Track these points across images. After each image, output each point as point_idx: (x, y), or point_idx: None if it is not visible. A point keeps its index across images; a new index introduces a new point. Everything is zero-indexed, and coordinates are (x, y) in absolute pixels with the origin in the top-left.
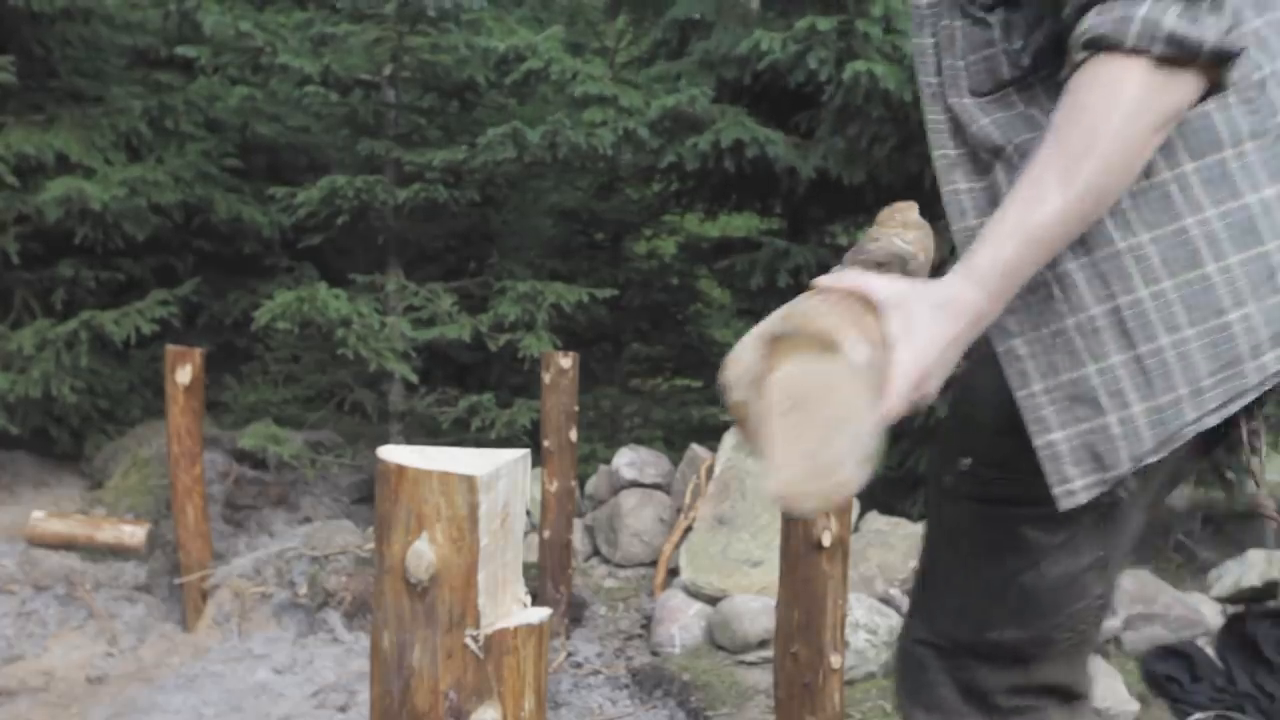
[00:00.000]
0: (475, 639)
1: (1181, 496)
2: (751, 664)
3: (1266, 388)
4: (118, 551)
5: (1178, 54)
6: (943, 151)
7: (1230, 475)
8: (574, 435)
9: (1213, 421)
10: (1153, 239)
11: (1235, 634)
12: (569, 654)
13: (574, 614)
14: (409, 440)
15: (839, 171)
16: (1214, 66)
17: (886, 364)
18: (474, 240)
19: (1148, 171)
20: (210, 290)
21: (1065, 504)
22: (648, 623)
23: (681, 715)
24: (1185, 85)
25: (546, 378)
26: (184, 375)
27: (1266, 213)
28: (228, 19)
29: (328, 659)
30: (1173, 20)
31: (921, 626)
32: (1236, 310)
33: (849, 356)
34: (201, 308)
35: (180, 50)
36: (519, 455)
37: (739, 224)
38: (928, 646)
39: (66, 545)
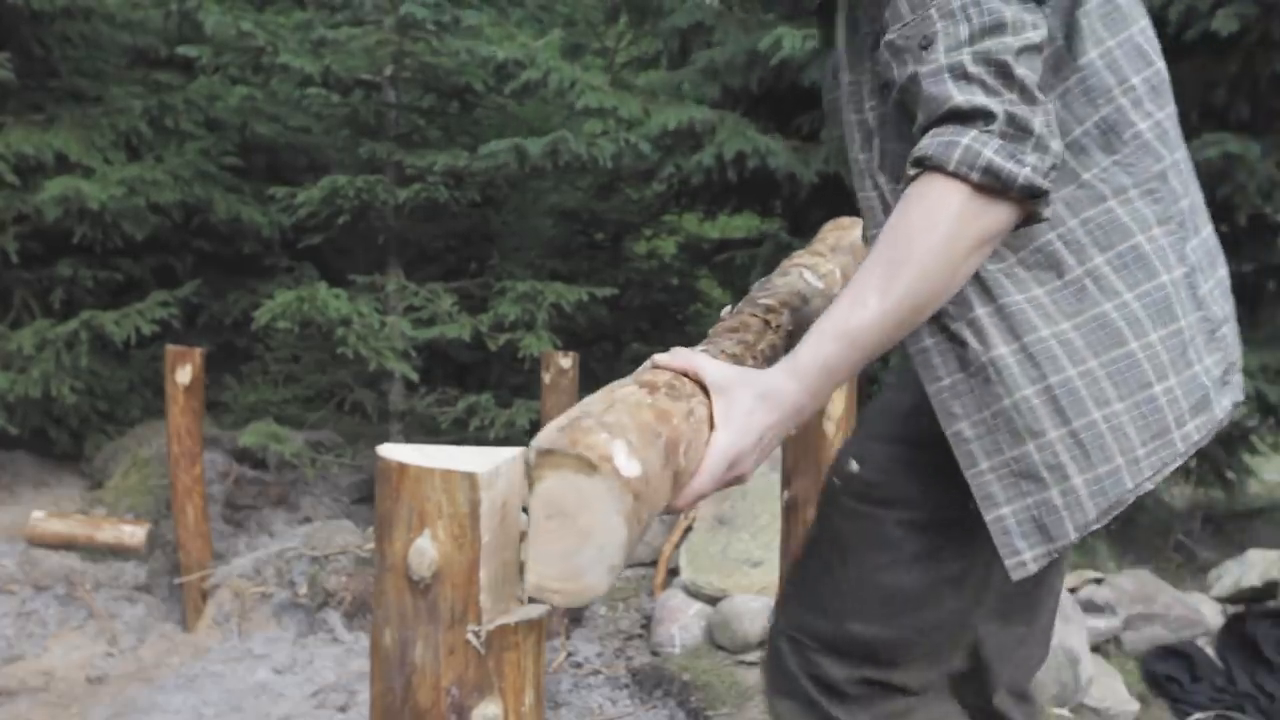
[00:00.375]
0: (477, 635)
1: (1182, 496)
2: (751, 664)
3: (1189, 455)
4: (118, 551)
5: (993, 184)
6: (876, 230)
7: (1230, 475)
8: None
9: (1148, 487)
10: (1074, 325)
11: (1235, 634)
12: (569, 654)
13: (574, 614)
14: (409, 440)
15: (839, 170)
16: (1028, 200)
17: (688, 460)
18: (474, 240)
19: (1060, 272)
20: (210, 290)
21: (1017, 575)
22: (648, 623)
23: (681, 715)
24: (1001, 213)
25: (546, 377)
26: (184, 375)
27: (1177, 291)
28: (228, 19)
29: (328, 659)
30: (991, 154)
31: (785, 621)
32: (1161, 383)
33: (606, 478)
34: (201, 308)
35: (181, 50)
36: (518, 453)
37: (739, 224)
38: (788, 640)
39: (66, 545)
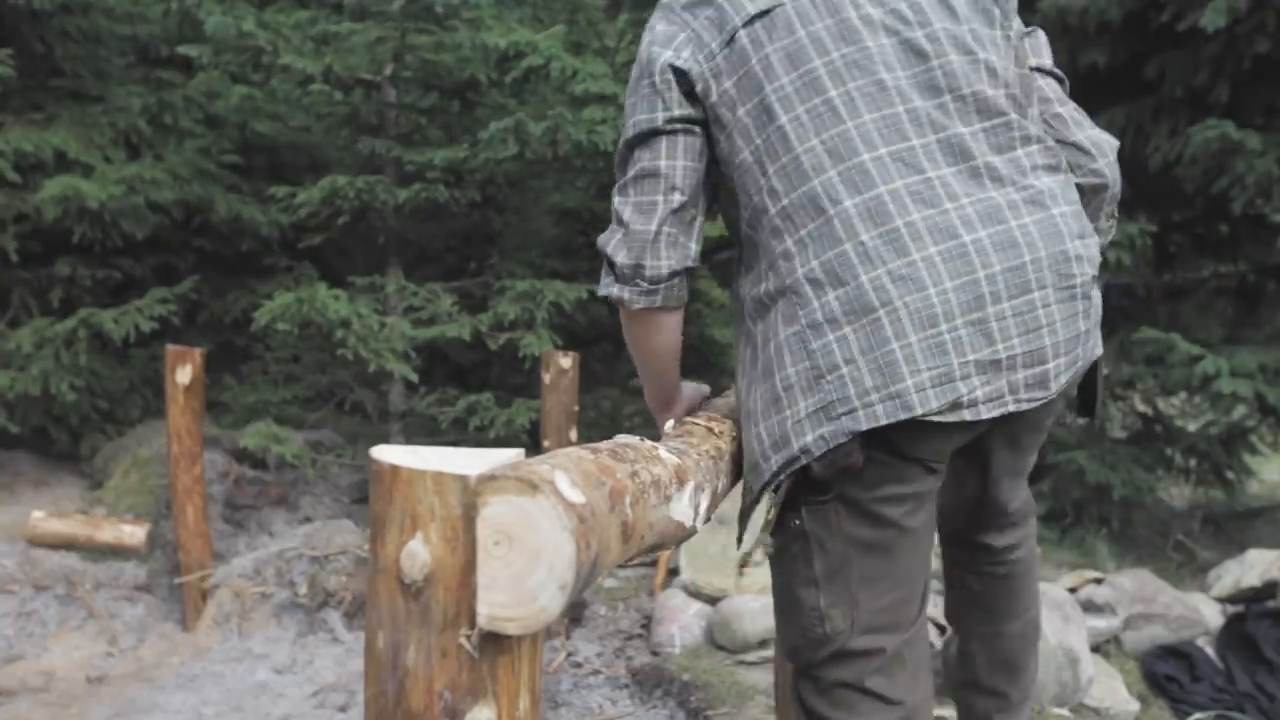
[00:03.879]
0: (470, 639)
1: (1182, 496)
2: (751, 664)
3: (801, 463)
4: (118, 551)
5: (619, 305)
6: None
7: (1230, 475)
8: (574, 435)
9: (780, 477)
10: (760, 390)
11: (1235, 634)
12: (569, 654)
13: (574, 614)
14: (409, 440)
15: None
16: (642, 305)
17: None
18: (474, 240)
19: (754, 354)
20: (210, 290)
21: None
22: (648, 623)
23: (681, 715)
24: (639, 314)
25: (547, 377)
26: (184, 375)
27: (783, 346)
28: (229, 19)
29: (328, 659)
30: (606, 289)
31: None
32: (790, 410)
33: (548, 496)
34: (201, 307)
35: (181, 49)
36: (514, 455)
37: None
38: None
39: (66, 545)
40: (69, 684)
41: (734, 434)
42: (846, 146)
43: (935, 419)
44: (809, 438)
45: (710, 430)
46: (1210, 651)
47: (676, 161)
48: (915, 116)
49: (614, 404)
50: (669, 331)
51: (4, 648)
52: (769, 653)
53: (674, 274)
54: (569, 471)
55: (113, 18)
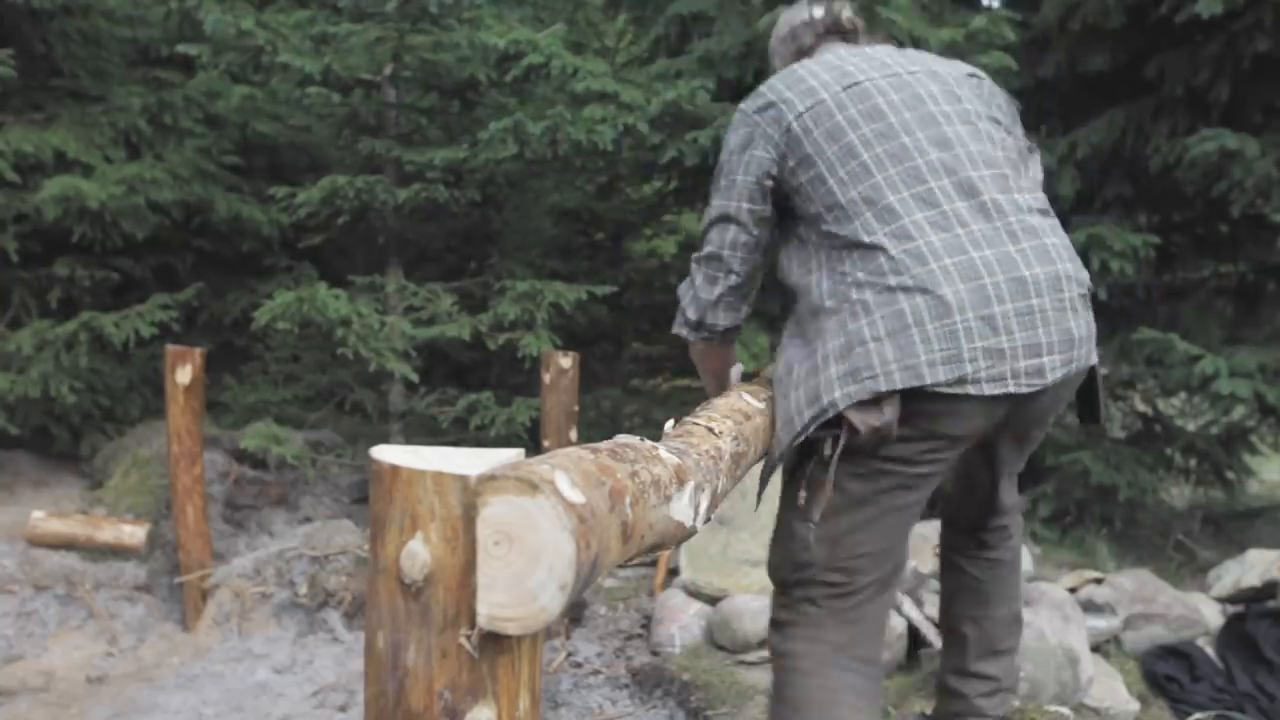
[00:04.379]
0: (470, 639)
1: (1182, 496)
2: (751, 664)
3: (828, 415)
4: (118, 551)
5: (683, 338)
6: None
7: (1230, 475)
8: (574, 435)
9: (810, 428)
10: (801, 365)
11: (1235, 634)
12: (569, 654)
13: (574, 614)
14: (409, 440)
15: None
16: (702, 346)
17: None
18: (474, 240)
19: (805, 338)
20: (210, 290)
21: (776, 461)
22: (648, 623)
23: (681, 715)
24: (696, 344)
25: (546, 377)
26: (184, 375)
27: (825, 330)
28: (229, 18)
29: (328, 659)
30: (677, 328)
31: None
32: (824, 375)
33: (548, 496)
34: (201, 307)
35: (181, 48)
36: (514, 455)
37: None
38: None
39: (66, 545)
40: (69, 684)
41: (734, 434)
42: (876, 193)
43: (944, 390)
44: (837, 394)
45: (710, 430)
46: (1210, 651)
47: (737, 253)
48: (931, 165)
49: (614, 404)
50: (724, 354)
51: (4, 648)
52: (769, 653)
53: (728, 329)
54: (569, 471)
55: (113, 20)
